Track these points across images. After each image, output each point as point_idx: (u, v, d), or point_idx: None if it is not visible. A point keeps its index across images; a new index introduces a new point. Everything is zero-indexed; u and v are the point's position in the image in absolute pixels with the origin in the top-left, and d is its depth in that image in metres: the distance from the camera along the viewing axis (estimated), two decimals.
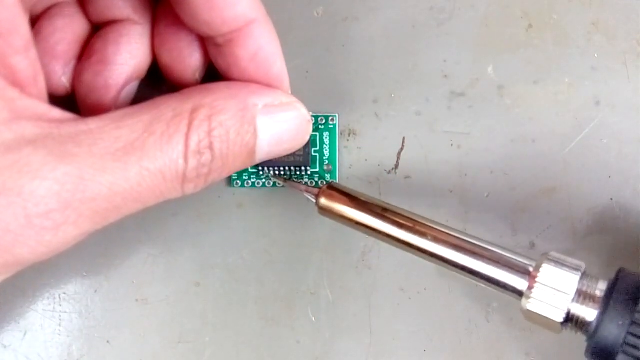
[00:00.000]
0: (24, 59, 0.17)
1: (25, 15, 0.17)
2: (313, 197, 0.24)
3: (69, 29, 0.23)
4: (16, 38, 0.17)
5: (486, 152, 0.26)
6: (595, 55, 0.26)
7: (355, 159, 0.27)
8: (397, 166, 0.27)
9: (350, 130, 0.27)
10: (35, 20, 0.23)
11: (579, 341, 0.22)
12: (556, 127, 0.26)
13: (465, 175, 0.26)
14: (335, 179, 0.26)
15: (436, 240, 0.22)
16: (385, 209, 0.22)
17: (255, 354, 0.26)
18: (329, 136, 0.26)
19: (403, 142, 0.27)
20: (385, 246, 0.26)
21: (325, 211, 0.23)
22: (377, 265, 0.26)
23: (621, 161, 0.26)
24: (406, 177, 0.26)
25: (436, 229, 0.22)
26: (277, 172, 0.26)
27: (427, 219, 0.22)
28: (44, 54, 0.22)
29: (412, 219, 0.22)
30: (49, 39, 0.22)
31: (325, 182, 0.25)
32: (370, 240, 0.26)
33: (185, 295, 0.26)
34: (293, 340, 0.26)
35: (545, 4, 0.27)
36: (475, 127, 0.26)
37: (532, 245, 0.26)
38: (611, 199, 0.26)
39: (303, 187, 0.24)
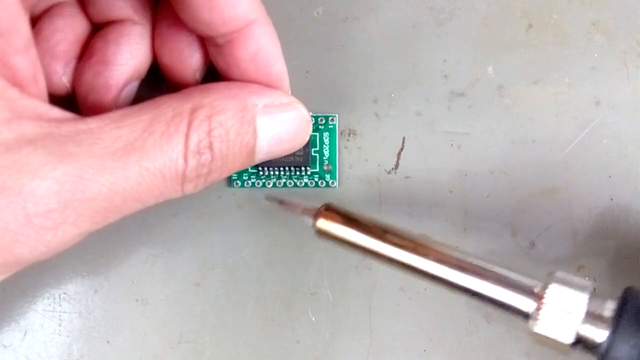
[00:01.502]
0: (24, 58, 0.17)
1: (26, 15, 0.17)
2: (310, 219, 0.23)
3: (69, 29, 0.23)
4: (16, 38, 0.17)
5: (486, 152, 0.26)
6: (595, 55, 0.26)
7: (355, 159, 0.27)
8: (397, 166, 0.27)
9: (350, 130, 0.27)
10: (36, 20, 0.23)
11: None
12: (556, 127, 0.26)
13: (465, 175, 0.26)
14: (335, 179, 0.26)
15: (440, 262, 0.21)
16: (385, 231, 0.22)
17: (255, 354, 0.26)
18: (329, 136, 0.26)
19: (403, 142, 0.27)
20: None
21: (322, 234, 0.22)
22: (377, 265, 0.26)
23: (621, 161, 0.26)
24: (406, 177, 0.26)
25: (438, 251, 0.21)
26: (271, 197, 0.25)
27: (429, 240, 0.21)
28: (44, 54, 0.22)
29: (413, 241, 0.21)
30: (49, 39, 0.22)
31: (323, 204, 0.24)
32: None
33: (185, 295, 0.26)
34: (293, 340, 0.26)
35: (545, 4, 0.27)
36: (475, 127, 0.26)
37: (532, 245, 0.26)
38: (611, 199, 0.26)
39: (299, 210, 0.23)
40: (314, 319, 0.26)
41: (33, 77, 0.18)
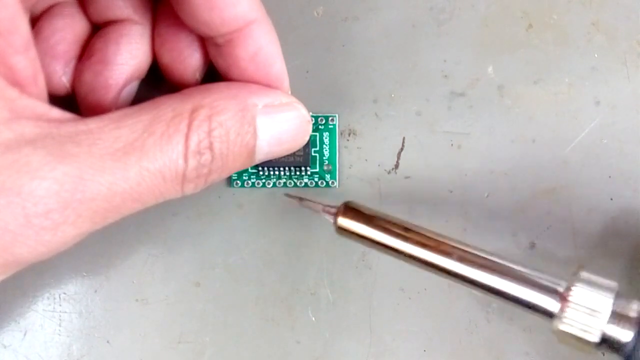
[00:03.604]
0: (23, 58, 0.17)
1: (25, 15, 0.17)
2: (331, 217, 0.23)
3: (69, 29, 0.23)
4: (16, 37, 0.17)
5: (486, 152, 0.26)
6: (595, 55, 0.26)
7: (355, 159, 0.27)
8: (397, 166, 0.27)
9: (350, 130, 0.27)
10: (35, 20, 0.23)
11: None
12: (556, 127, 0.26)
13: (465, 175, 0.26)
14: (335, 179, 0.26)
15: (462, 260, 0.21)
16: (407, 229, 0.22)
17: (255, 354, 0.26)
18: (329, 136, 0.26)
19: (403, 142, 0.27)
20: None
21: (343, 231, 0.22)
22: (377, 265, 0.26)
23: (621, 161, 0.26)
24: (406, 177, 0.26)
25: (461, 249, 0.21)
26: (291, 194, 0.25)
27: (451, 238, 0.21)
28: (44, 54, 0.22)
29: (435, 239, 0.21)
30: (49, 39, 0.22)
31: (341, 203, 0.24)
32: None
33: (185, 295, 0.26)
34: (293, 340, 0.26)
35: (545, 4, 0.27)
36: (475, 127, 0.26)
37: (532, 245, 0.26)
38: (611, 199, 0.26)
39: (320, 207, 0.23)
40: (314, 319, 0.26)
41: (33, 77, 0.18)
